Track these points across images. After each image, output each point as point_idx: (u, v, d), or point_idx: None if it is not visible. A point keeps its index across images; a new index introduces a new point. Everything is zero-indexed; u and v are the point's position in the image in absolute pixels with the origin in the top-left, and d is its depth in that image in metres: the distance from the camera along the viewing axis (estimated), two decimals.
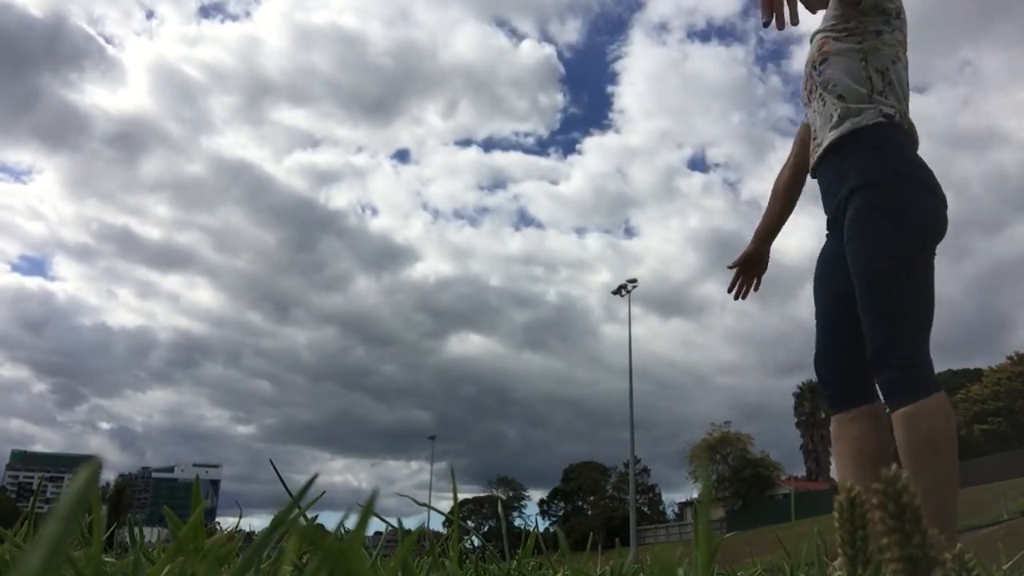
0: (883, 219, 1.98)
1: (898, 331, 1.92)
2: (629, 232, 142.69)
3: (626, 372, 30.50)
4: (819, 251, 2.29)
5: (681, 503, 61.56)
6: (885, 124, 2.05)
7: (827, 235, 2.26)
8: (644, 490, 61.84)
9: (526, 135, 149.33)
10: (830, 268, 2.18)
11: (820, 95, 2.20)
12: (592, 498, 64.16)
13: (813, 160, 2.23)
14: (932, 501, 1.72)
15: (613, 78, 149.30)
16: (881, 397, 1.99)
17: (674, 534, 50.23)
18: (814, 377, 2.23)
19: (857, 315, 2.02)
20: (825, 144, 2.14)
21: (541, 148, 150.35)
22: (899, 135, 2.07)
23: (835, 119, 2.12)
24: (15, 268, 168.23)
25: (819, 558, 0.78)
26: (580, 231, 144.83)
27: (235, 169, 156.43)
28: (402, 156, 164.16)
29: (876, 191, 2.00)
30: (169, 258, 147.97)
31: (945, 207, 2.04)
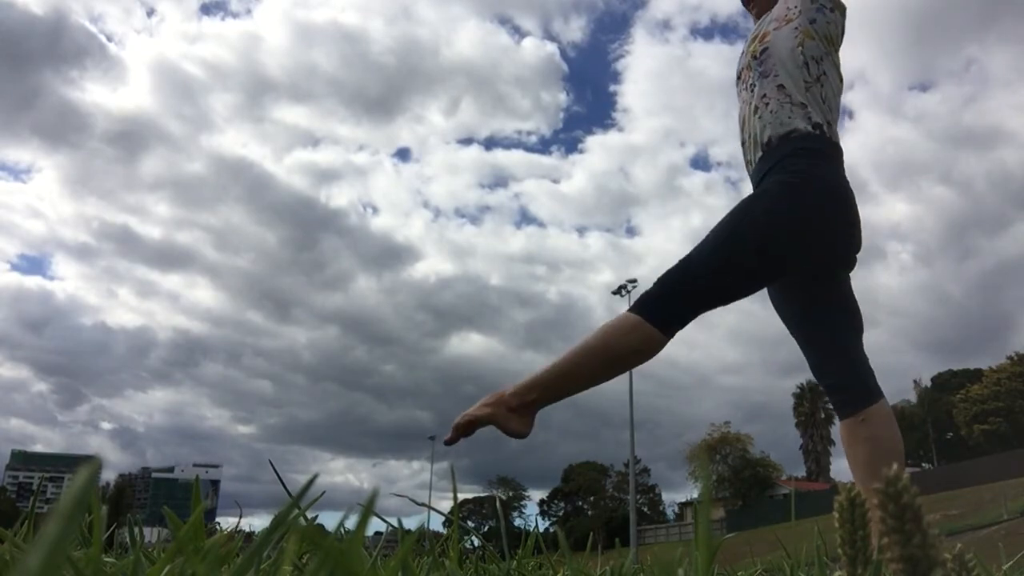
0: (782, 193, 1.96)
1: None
2: (631, 231, 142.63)
3: (626, 372, 30.48)
4: None
5: (681, 503, 61.63)
6: (816, 135, 2.05)
7: None
8: (644, 490, 61.85)
9: (528, 133, 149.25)
10: (781, 290, 2.17)
11: (756, 84, 2.19)
12: (592, 498, 64.18)
13: (750, 160, 2.22)
14: None
15: (616, 76, 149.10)
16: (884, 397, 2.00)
17: (674, 534, 50.24)
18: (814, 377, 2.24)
19: (830, 321, 2.04)
20: (759, 147, 2.14)
21: (543, 147, 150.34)
22: (828, 146, 2.07)
23: (767, 115, 2.12)
24: (14, 267, 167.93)
25: (819, 558, 0.78)
26: (582, 230, 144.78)
27: (236, 168, 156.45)
28: (403, 154, 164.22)
29: (790, 181, 1.98)
30: (169, 257, 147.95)
31: (855, 229, 2.03)
